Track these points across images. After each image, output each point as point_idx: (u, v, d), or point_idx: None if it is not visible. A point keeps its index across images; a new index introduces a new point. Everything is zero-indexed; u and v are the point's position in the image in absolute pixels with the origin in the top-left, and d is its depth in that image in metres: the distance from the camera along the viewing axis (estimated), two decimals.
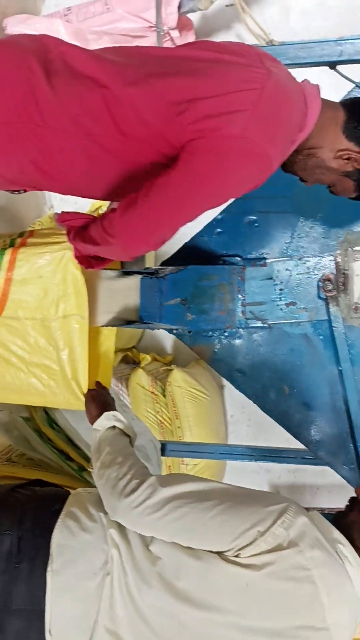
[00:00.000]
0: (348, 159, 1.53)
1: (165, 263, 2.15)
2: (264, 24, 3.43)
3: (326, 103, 1.52)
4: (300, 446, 2.17)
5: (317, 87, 1.52)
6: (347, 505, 1.57)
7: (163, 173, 1.42)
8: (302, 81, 1.53)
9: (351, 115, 1.53)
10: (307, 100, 1.48)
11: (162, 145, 1.43)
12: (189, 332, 2.12)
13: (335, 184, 1.61)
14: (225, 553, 1.37)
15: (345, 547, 1.42)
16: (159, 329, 2.15)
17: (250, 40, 2.54)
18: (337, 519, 1.53)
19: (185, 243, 2.15)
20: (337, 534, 1.45)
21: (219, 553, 1.37)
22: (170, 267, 2.06)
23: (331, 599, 1.33)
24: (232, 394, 3.71)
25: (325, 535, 1.43)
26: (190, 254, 2.14)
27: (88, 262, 1.72)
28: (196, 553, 1.38)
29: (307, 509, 1.48)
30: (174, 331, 2.13)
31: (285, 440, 2.30)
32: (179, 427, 3.44)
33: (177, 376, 3.45)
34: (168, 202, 1.41)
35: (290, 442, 2.27)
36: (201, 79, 1.40)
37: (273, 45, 2.19)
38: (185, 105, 1.37)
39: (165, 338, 3.87)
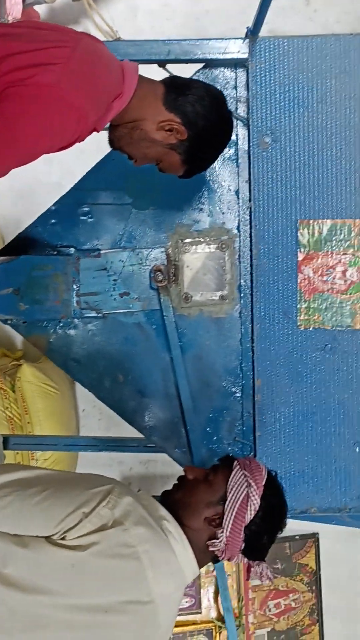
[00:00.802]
0: (170, 130, 1.60)
1: None
2: (112, 21, 3.50)
3: (145, 78, 1.60)
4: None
5: (135, 64, 1.60)
6: (174, 484, 1.64)
7: None
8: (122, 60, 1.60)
9: (170, 88, 1.62)
10: (125, 71, 1.55)
11: None
12: (24, 322, 2.11)
13: (162, 159, 1.67)
14: (52, 537, 1.38)
15: (170, 523, 1.48)
16: None
17: (98, 36, 2.58)
18: (165, 497, 1.60)
19: (19, 234, 2.14)
20: (162, 511, 1.52)
21: (46, 538, 1.38)
22: (1, 257, 2.04)
23: (156, 572, 1.39)
24: (84, 389, 3.70)
25: (150, 512, 1.48)
26: (24, 245, 2.13)
27: None
28: (23, 540, 1.38)
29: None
30: (8, 322, 2.12)
31: (135, 432, 2.32)
32: (28, 423, 3.39)
33: (27, 371, 3.40)
34: None
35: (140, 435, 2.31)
36: (18, 40, 1.44)
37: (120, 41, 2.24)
38: (1, 60, 1.39)
39: (15, 333, 3.80)
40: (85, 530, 1.38)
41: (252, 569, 1.58)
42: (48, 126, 1.41)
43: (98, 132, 1.56)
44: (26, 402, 3.40)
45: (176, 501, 1.57)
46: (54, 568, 1.36)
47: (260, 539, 1.53)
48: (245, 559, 1.55)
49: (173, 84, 1.64)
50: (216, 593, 3.44)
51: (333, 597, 3.58)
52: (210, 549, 1.51)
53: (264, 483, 1.54)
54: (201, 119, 1.61)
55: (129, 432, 2.51)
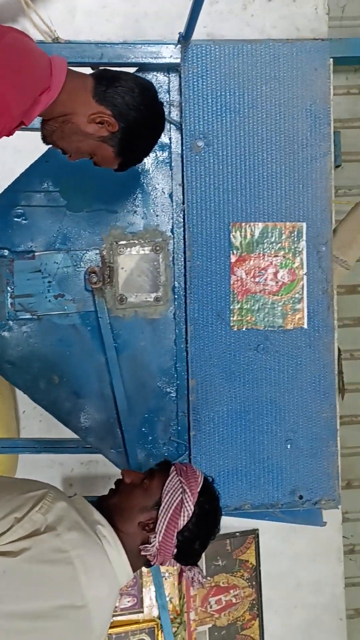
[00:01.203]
0: (101, 122, 1.61)
1: None
2: (50, 21, 3.47)
3: (74, 72, 1.61)
4: None
5: (64, 58, 1.60)
6: (111, 489, 1.64)
7: None
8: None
9: (100, 80, 1.63)
10: (53, 65, 1.55)
11: None
12: None
13: (95, 153, 1.67)
14: None
15: (104, 528, 1.49)
16: None
17: (36, 36, 2.57)
18: (101, 501, 1.61)
19: None
20: (97, 515, 1.52)
21: None
22: None
23: (89, 577, 1.39)
24: None
25: (84, 517, 1.49)
26: None
27: None
28: None
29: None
30: None
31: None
32: None
33: None
34: None
35: None
36: None
37: (59, 42, 2.23)
38: None
39: None
40: (17, 536, 1.38)
41: (183, 574, 1.60)
42: None
43: (26, 125, 1.55)
44: None
45: (111, 505, 1.57)
46: None
47: (192, 544, 1.54)
48: (178, 564, 1.57)
49: (103, 76, 1.65)
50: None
51: (272, 591, 3.64)
52: (142, 553, 1.52)
53: (199, 490, 1.55)
54: (132, 110, 1.63)
55: (70, 433, 2.49)
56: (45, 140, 1.67)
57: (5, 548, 1.37)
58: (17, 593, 1.36)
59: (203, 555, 1.91)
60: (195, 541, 1.54)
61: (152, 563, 1.55)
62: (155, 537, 1.51)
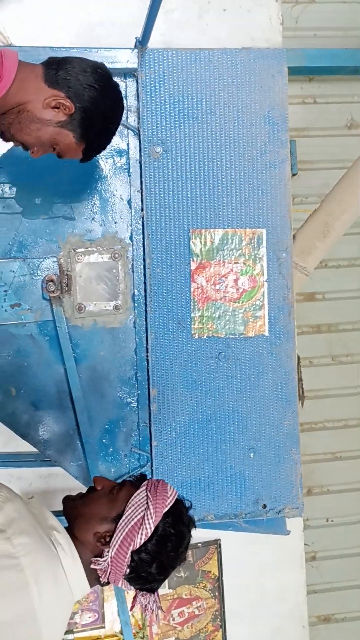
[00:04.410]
0: (57, 107, 1.57)
1: None
2: (1, 26, 3.42)
3: (24, 62, 1.57)
4: None
5: (15, 51, 1.56)
6: (79, 492, 1.56)
7: None
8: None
9: (49, 66, 1.59)
10: (3, 56, 1.51)
11: None
12: None
13: (56, 141, 1.62)
14: None
15: (60, 534, 1.40)
16: None
17: None
18: (64, 501, 1.52)
19: None
20: (53, 521, 1.43)
21: None
22: None
23: (40, 586, 1.28)
24: None
25: (40, 521, 1.40)
26: None
27: None
28: None
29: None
30: None
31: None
32: None
33: None
34: None
35: None
36: None
37: (12, 46, 2.19)
38: None
39: None
40: None
41: (137, 599, 1.47)
42: None
43: None
44: None
45: (73, 508, 1.49)
46: None
47: (148, 567, 1.42)
48: (131, 587, 1.46)
49: (52, 61, 1.61)
50: None
51: (235, 601, 3.61)
52: (92, 566, 1.42)
53: (165, 510, 1.44)
54: (86, 88, 1.58)
55: (28, 446, 2.42)
56: (3, 136, 1.62)
57: None
58: None
59: None
60: (151, 564, 1.41)
61: (101, 580, 1.44)
62: (109, 551, 1.41)
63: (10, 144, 1.69)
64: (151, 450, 2.15)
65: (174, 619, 3.55)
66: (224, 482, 2.18)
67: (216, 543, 3.62)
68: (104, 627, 3.36)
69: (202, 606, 3.60)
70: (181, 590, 3.53)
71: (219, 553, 3.63)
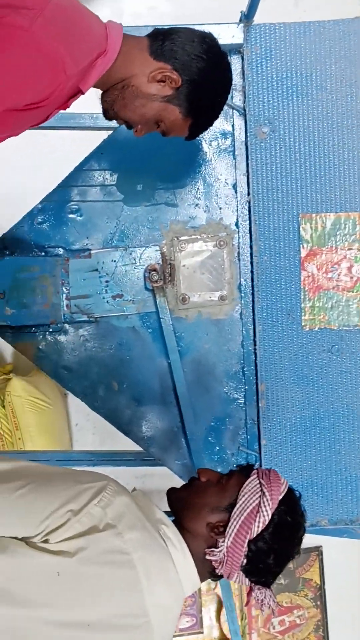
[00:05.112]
0: (163, 80, 1.48)
1: None
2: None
3: (128, 35, 1.49)
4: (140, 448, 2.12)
5: (120, 23, 1.49)
6: (183, 484, 1.52)
7: None
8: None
9: (154, 38, 1.50)
10: (109, 29, 1.44)
11: None
12: (11, 328, 1.99)
13: (161, 118, 1.53)
14: (33, 539, 1.25)
15: (169, 528, 1.36)
16: None
17: None
18: (169, 494, 1.49)
19: (4, 234, 2.03)
20: (160, 514, 1.40)
21: (27, 540, 1.25)
22: None
23: (151, 582, 1.27)
24: (77, 402, 3.59)
25: (148, 515, 1.36)
26: (9, 246, 2.02)
27: None
28: (1, 543, 1.24)
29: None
30: None
31: (131, 445, 2.23)
32: (19, 439, 3.28)
33: (16, 385, 3.28)
34: None
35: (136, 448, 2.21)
36: None
37: None
38: None
39: (4, 346, 3.68)
40: (73, 532, 1.25)
41: (252, 593, 1.43)
42: (16, 71, 1.26)
43: (83, 93, 1.43)
44: (16, 418, 3.29)
45: (180, 499, 1.45)
46: (37, 577, 1.22)
47: (266, 558, 1.37)
48: (247, 581, 1.41)
49: (157, 33, 1.52)
50: (218, 612, 3.33)
51: (339, 611, 3.46)
52: (207, 557, 1.38)
53: (280, 497, 1.39)
54: (194, 59, 1.48)
55: (124, 445, 2.43)
56: (106, 114, 1.55)
57: (59, 547, 1.24)
58: (70, 599, 1.24)
59: None
60: (269, 555, 1.36)
61: (217, 572, 1.40)
62: (224, 540, 1.36)
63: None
64: (260, 450, 2.04)
65: (274, 628, 3.47)
66: (338, 484, 2.03)
67: (318, 550, 3.49)
68: (202, 632, 3.32)
69: (303, 615, 3.51)
70: (281, 598, 3.45)
71: (321, 560, 3.51)
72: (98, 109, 1.60)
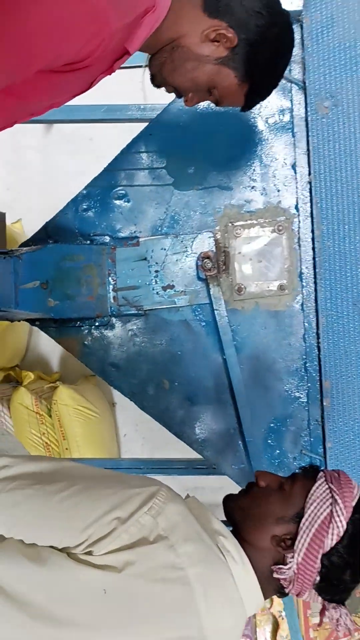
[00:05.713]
0: (217, 40, 1.34)
1: (24, 245, 1.93)
2: None
3: None
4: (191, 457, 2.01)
5: None
6: (240, 490, 1.40)
7: None
8: None
9: None
10: None
11: None
12: (54, 322, 1.90)
13: (215, 84, 1.39)
14: (74, 550, 1.14)
15: (228, 540, 1.24)
16: (19, 319, 1.91)
17: None
18: (226, 502, 1.37)
19: (47, 222, 1.97)
20: (218, 524, 1.28)
21: (68, 552, 1.15)
22: (26, 247, 1.83)
23: (209, 602, 1.15)
24: (125, 412, 3.57)
25: (204, 525, 1.24)
26: (53, 234, 1.96)
27: None
28: (40, 554, 1.14)
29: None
30: (37, 323, 1.92)
31: (180, 455, 2.20)
32: (67, 449, 3.24)
33: (63, 394, 3.23)
34: None
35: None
36: None
37: None
38: None
39: (52, 355, 3.64)
40: (120, 544, 1.14)
41: (326, 612, 1.30)
42: (51, 21, 1.11)
43: (130, 54, 1.31)
44: (63, 427, 3.25)
45: (240, 509, 1.33)
46: (80, 594, 1.13)
47: (341, 574, 1.25)
48: (319, 598, 1.28)
49: None
50: (274, 632, 3.21)
51: None
52: (275, 575, 1.25)
53: (354, 503, 1.26)
54: (252, 16, 1.33)
55: (174, 455, 2.40)
56: (154, 80, 1.42)
57: (105, 560, 1.13)
58: (119, 620, 1.13)
59: None
60: (345, 570, 1.24)
61: (286, 591, 1.28)
62: (293, 556, 1.24)
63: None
64: (325, 453, 1.92)
65: None
66: None
67: None
68: None
69: None
70: None
71: None
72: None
